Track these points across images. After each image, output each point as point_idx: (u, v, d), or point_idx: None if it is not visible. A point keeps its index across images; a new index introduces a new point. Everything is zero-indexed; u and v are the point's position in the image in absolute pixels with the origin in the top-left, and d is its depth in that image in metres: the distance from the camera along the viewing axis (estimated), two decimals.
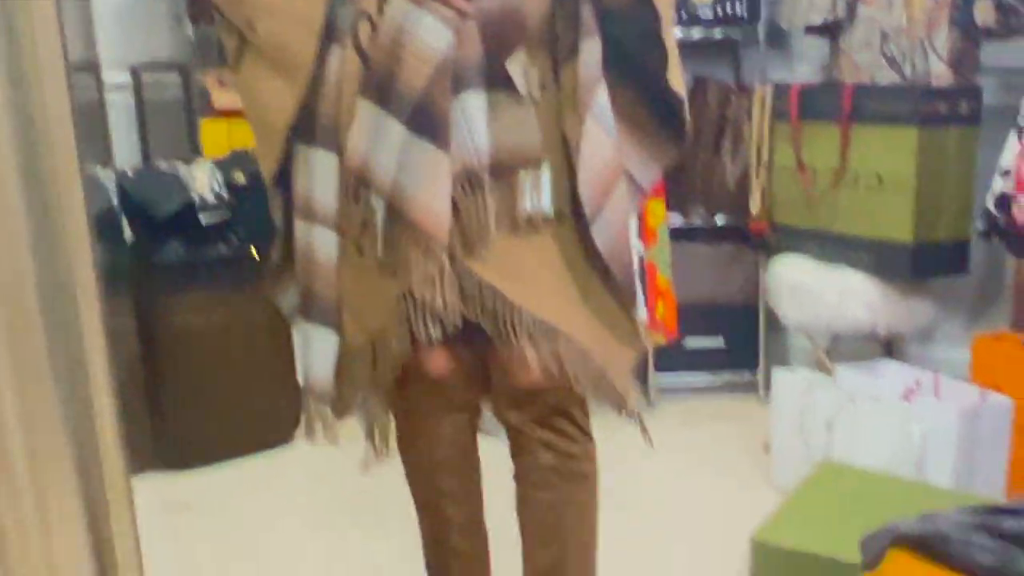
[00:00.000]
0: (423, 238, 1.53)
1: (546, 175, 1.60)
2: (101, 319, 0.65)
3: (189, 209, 2.90)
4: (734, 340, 3.61)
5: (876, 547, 1.35)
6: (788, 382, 2.88)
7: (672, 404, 3.60)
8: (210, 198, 2.92)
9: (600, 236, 1.62)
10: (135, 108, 3.50)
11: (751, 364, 3.63)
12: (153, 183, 2.89)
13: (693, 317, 3.43)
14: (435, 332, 1.58)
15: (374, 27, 1.52)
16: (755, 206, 3.25)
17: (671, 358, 3.49)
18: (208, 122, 3.33)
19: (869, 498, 2.29)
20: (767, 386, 3.19)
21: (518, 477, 1.83)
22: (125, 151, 3.52)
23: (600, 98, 1.60)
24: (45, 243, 0.61)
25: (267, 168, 1.69)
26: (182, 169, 2.96)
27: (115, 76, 3.52)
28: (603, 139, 1.60)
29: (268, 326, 3.07)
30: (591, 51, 1.59)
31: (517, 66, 1.58)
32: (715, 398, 3.63)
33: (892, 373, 2.89)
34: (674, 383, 3.61)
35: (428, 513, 1.93)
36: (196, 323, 3.03)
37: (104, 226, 2.79)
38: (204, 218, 2.89)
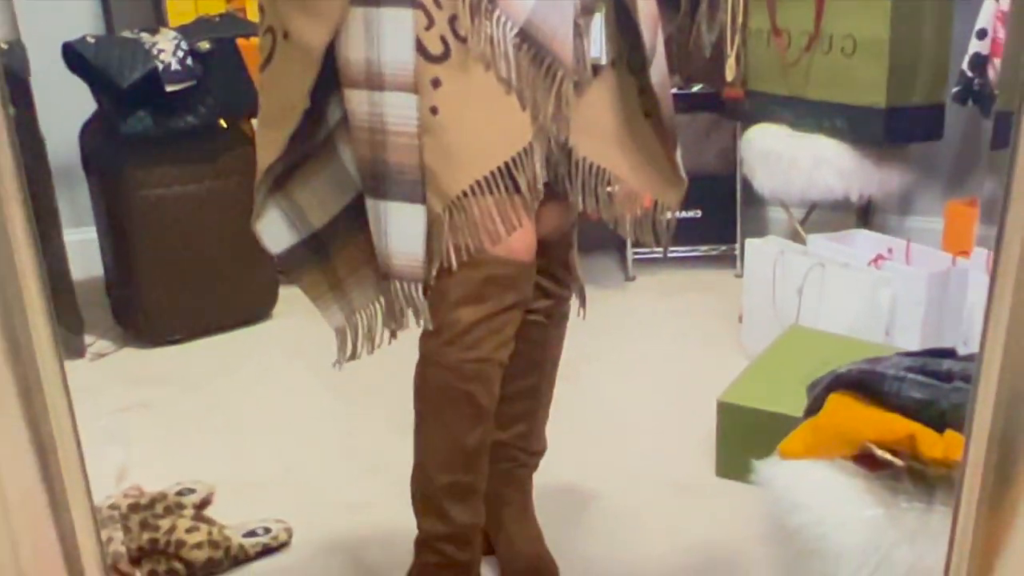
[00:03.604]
0: (561, 69, 1.56)
1: (598, 21, 1.66)
2: (21, 191, 0.64)
3: (154, 78, 2.84)
4: (711, 212, 3.59)
5: (818, 391, 1.36)
6: (760, 250, 2.88)
7: (649, 276, 3.61)
8: (175, 65, 2.86)
9: (655, 76, 1.67)
10: None
11: (729, 237, 3.62)
12: (115, 52, 2.83)
13: None
14: (543, 178, 1.61)
15: None
16: (730, 72, 3.21)
17: None
18: None
19: (834, 361, 2.30)
20: (743, 258, 3.19)
21: None
22: (88, 21, 3.45)
23: None
24: None
25: (318, 38, 1.55)
26: (145, 37, 2.90)
27: None
28: None
29: (241, 199, 3.04)
30: None
31: None
32: (692, 270, 3.64)
33: (864, 241, 2.89)
34: (651, 255, 3.60)
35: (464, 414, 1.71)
36: (166, 196, 3.00)
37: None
38: (169, 86, 2.84)
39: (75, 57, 2.85)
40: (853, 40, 2.87)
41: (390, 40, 1.53)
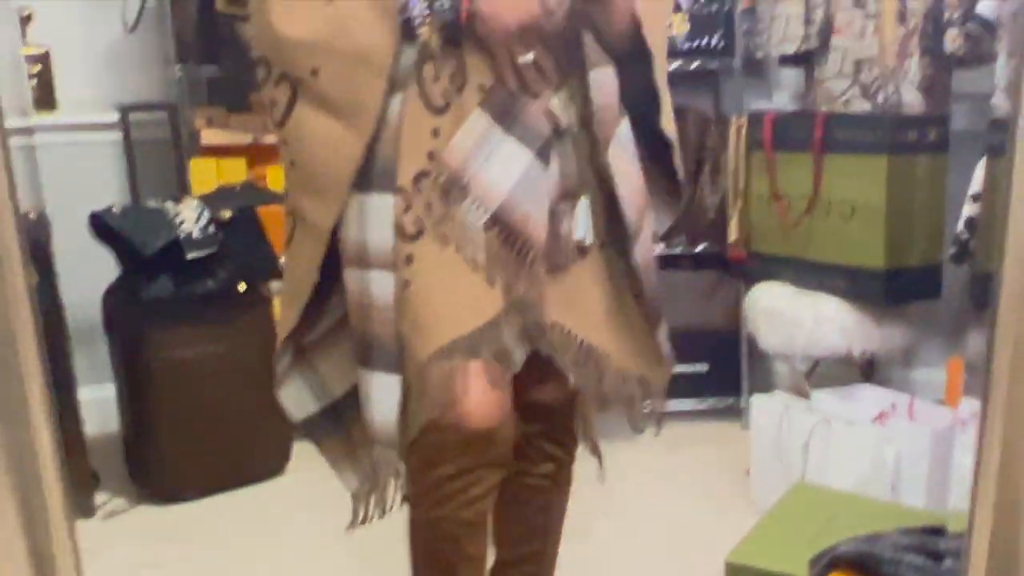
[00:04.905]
0: (532, 251, 1.63)
1: (584, 205, 1.72)
2: (39, 356, 0.67)
3: (176, 245, 2.94)
4: (717, 366, 3.64)
5: (819, 569, 1.39)
6: (766, 406, 2.93)
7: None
8: (196, 234, 2.97)
9: (639, 256, 1.75)
10: (124, 147, 3.54)
11: (734, 390, 3.66)
12: (139, 220, 2.94)
13: (677, 343, 3.45)
14: (520, 355, 1.66)
15: (436, 69, 1.62)
16: (733, 234, 3.30)
17: None
18: (197, 161, 3.39)
19: (841, 519, 2.33)
20: (749, 413, 3.23)
21: (511, 478, 1.86)
22: (114, 190, 3.57)
23: (623, 127, 1.74)
24: None
25: (324, 220, 1.67)
26: (169, 206, 3.02)
27: (104, 116, 3.57)
28: (630, 166, 1.74)
29: (257, 359, 3.10)
30: (601, 81, 1.70)
31: (558, 102, 1.68)
32: (699, 423, 3.66)
33: (868, 396, 2.93)
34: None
35: None
36: (185, 357, 3.07)
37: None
38: (190, 254, 2.94)
39: (101, 226, 2.96)
40: (851, 205, 2.97)
41: (374, 222, 1.64)
